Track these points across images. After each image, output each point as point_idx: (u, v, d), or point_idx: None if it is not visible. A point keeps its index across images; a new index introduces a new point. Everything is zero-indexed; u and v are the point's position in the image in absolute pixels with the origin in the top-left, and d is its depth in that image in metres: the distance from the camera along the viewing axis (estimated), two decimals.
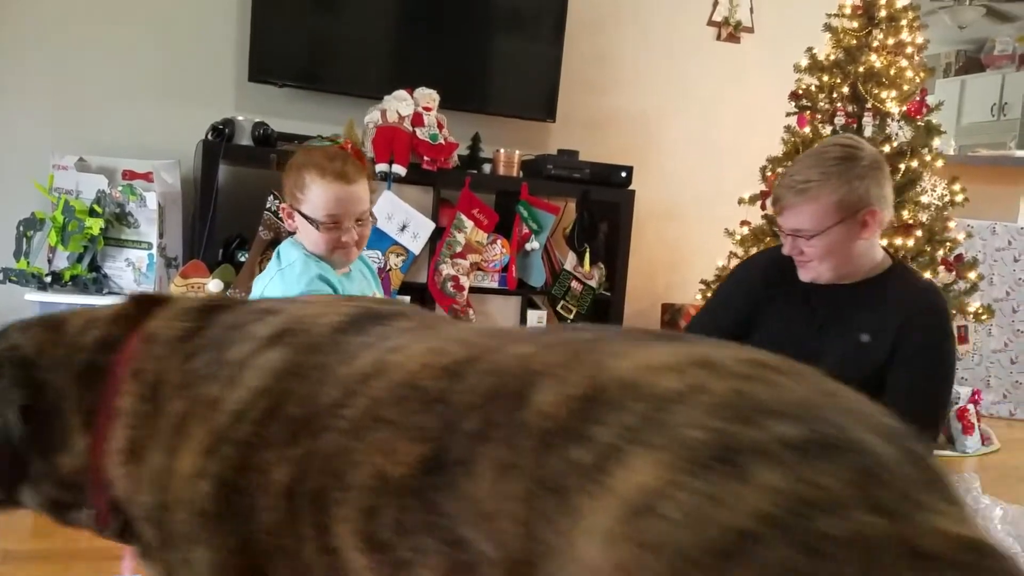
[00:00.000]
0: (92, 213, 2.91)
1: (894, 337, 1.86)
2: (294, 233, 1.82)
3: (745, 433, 0.58)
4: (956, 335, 3.49)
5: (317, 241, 1.72)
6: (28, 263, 2.94)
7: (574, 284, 3.54)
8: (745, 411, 0.59)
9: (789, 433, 0.58)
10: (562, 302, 3.53)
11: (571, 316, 3.54)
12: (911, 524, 0.54)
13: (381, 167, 3.15)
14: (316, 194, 1.70)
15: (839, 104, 3.45)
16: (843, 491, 0.55)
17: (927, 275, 3.38)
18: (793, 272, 1.98)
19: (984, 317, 3.48)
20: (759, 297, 2.06)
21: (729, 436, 0.58)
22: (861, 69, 3.40)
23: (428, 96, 3.28)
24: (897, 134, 3.38)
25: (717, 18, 4.25)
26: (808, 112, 3.53)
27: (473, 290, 3.36)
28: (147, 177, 3.17)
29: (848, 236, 1.88)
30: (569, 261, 3.56)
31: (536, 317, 3.50)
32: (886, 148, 3.37)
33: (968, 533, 0.56)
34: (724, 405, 0.60)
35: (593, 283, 3.57)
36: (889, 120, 3.39)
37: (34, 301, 2.85)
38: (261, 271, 2.92)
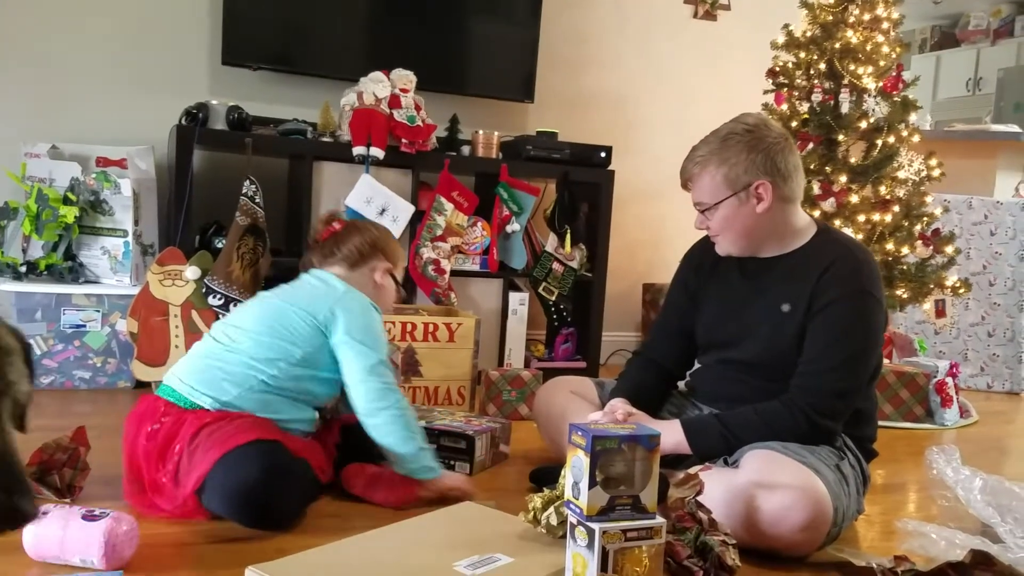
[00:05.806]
0: (66, 201, 2.87)
1: (808, 301, 1.85)
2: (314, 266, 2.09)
3: None
4: (936, 308, 3.53)
5: (393, 295, 2.18)
6: (2, 253, 2.90)
7: (555, 266, 3.54)
8: None
9: None
10: (544, 284, 3.53)
11: (553, 298, 3.54)
12: None
13: (359, 150, 3.12)
14: (402, 267, 2.20)
15: (816, 81, 3.46)
16: None
17: (904, 250, 3.41)
18: None
19: (961, 291, 3.51)
20: (694, 285, 2.12)
21: None
22: (837, 45, 3.41)
23: (405, 78, 3.25)
24: (874, 110, 3.39)
25: None
26: (785, 89, 3.54)
27: (454, 273, 3.35)
28: (121, 164, 3.13)
29: (743, 210, 1.90)
30: (550, 243, 3.56)
31: (518, 299, 3.49)
32: (863, 124, 3.38)
33: None
34: None
35: (574, 264, 3.57)
36: (866, 96, 3.40)
37: (9, 291, 2.81)
38: (239, 258, 2.92)
